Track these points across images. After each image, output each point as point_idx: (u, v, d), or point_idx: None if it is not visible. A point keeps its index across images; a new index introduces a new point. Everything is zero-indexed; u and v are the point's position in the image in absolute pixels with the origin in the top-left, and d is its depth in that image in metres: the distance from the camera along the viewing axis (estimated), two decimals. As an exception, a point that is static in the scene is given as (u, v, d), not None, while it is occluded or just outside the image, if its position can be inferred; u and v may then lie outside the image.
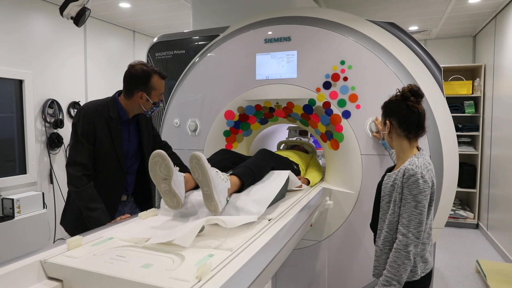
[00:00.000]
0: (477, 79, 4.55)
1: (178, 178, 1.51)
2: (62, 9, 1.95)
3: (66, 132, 3.77)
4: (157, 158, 1.43)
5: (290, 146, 3.10)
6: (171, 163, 1.45)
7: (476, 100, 4.65)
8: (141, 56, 4.91)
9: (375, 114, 2.18)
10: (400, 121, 1.50)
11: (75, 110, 3.88)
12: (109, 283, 0.97)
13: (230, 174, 1.61)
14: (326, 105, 2.28)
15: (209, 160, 1.74)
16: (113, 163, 1.83)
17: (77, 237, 1.20)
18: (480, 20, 4.31)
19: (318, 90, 2.29)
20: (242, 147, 2.69)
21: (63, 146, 3.74)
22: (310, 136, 3.27)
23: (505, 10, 3.76)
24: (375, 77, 2.18)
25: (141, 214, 1.55)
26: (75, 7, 1.95)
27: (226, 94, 2.54)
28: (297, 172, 2.33)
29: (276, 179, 1.77)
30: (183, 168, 2.14)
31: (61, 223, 1.92)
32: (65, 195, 3.67)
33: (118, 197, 1.89)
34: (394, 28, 2.28)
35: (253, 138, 2.74)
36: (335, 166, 2.37)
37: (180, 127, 2.70)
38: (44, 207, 3.40)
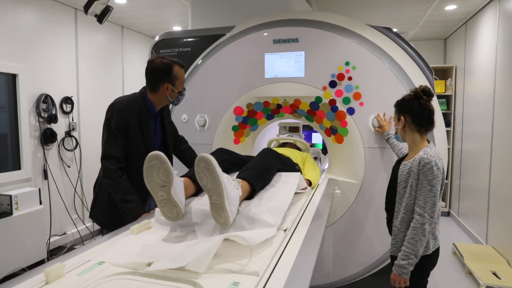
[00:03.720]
0: (449, 79, 4.96)
1: (178, 184, 1.30)
2: (87, 7, 1.99)
3: (59, 127, 3.73)
4: (155, 161, 1.21)
5: (281, 143, 3.04)
6: (171, 167, 1.25)
7: (448, 98, 5.07)
8: (130, 52, 4.89)
9: (377, 111, 2.41)
10: (413, 117, 1.71)
11: (68, 105, 3.84)
12: None
13: (237, 178, 1.44)
14: (332, 102, 2.48)
15: None
16: (143, 156, 1.89)
17: (58, 264, 0.94)
18: (452, 25, 4.71)
19: (324, 88, 2.48)
20: (248, 142, 2.83)
21: (56, 141, 3.69)
22: (302, 133, 3.41)
23: (475, 17, 4.15)
24: (377, 77, 2.40)
25: (132, 228, 1.30)
26: (99, 5, 1.99)
27: (235, 91, 2.67)
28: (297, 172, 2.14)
29: (286, 182, 1.64)
30: None
31: (90, 216, 1.98)
32: (61, 191, 3.68)
33: (147, 189, 1.97)
34: (390, 33, 2.51)
35: (259, 133, 2.89)
36: (339, 158, 2.57)
37: (188, 123, 2.80)
38: (40, 203, 3.36)
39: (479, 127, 4.00)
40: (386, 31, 2.51)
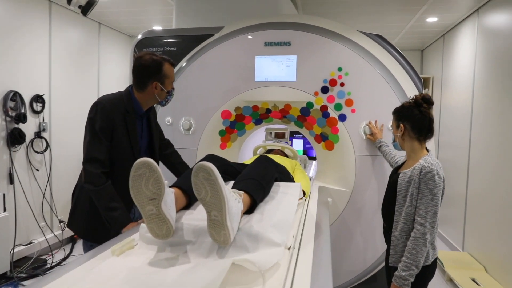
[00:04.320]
0: (426, 89, 5.08)
1: (169, 197, 1.14)
2: (70, -3, 1.84)
3: (28, 127, 3.47)
4: (143, 169, 1.05)
5: (268, 150, 2.97)
6: (162, 177, 1.08)
7: (424, 108, 5.19)
8: (107, 50, 4.67)
9: (368, 118, 2.38)
10: (413, 125, 1.69)
11: (38, 104, 3.58)
12: None
13: (233, 188, 1.29)
14: (324, 108, 2.43)
15: None
16: (128, 160, 1.75)
17: None
18: (430, 37, 4.84)
19: (316, 94, 2.44)
20: (235, 147, 2.73)
21: (24, 143, 3.43)
22: (289, 139, 3.34)
23: (453, 30, 4.28)
24: (369, 84, 2.38)
25: (113, 248, 1.11)
26: (85, -4, 1.84)
27: (223, 93, 2.57)
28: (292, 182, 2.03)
29: (286, 194, 1.52)
30: (184, 168, 2.12)
31: (68, 226, 1.81)
32: (28, 196, 3.41)
33: (132, 196, 1.83)
34: (381, 40, 2.51)
35: (245, 138, 2.80)
36: (329, 165, 2.52)
37: (172, 125, 2.66)
38: (4, 210, 3.09)
39: (456, 137, 4.10)
40: (377, 38, 2.50)
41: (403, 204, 1.65)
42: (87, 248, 1.81)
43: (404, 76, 2.43)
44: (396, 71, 2.41)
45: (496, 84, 3.22)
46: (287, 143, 2.97)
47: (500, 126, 3.10)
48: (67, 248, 3.89)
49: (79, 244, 4.04)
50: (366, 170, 2.40)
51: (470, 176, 3.66)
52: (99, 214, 1.68)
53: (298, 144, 4.08)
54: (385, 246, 2.42)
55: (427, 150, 1.72)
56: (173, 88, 1.87)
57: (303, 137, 3.94)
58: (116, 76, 4.88)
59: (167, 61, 1.79)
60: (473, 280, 3.09)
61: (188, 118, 2.63)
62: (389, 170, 2.33)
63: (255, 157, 2.36)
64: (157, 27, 4.61)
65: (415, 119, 1.68)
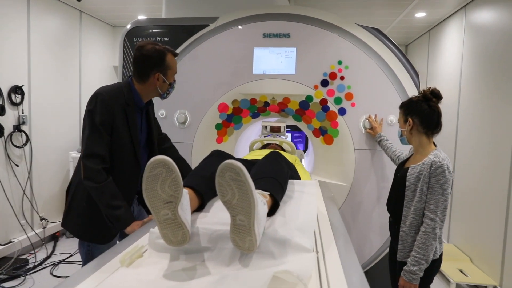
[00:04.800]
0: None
1: (185, 199, 1.06)
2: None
3: (6, 120, 3.27)
4: (160, 169, 0.95)
5: (264, 144, 2.88)
6: (180, 177, 0.98)
7: (409, 103, 5.28)
8: (89, 41, 4.45)
9: (368, 112, 2.38)
10: (422, 119, 1.68)
11: (17, 96, 3.38)
12: None
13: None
14: (323, 102, 2.40)
15: (205, 166, 1.42)
16: (128, 155, 1.68)
17: None
18: (415, 32, 4.91)
19: (315, 87, 2.40)
20: (231, 141, 2.67)
21: (3, 137, 3.23)
22: (286, 133, 3.31)
23: (440, 26, 4.35)
24: (369, 78, 2.36)
25: (122, 258, 1.00)
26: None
27: (220, 86, 2.49)
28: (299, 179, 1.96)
29: (303, 192, 1.45)
30: (182, 163, 2.03)
31: (63, 226, 1.70)
32: (8, 193, 3.22)
33: (132, 193, 1.74)
34: (379, 34, 2.50)
35: (242, 132, 2.74)
36: (328, 159, 2.50)
37: (166, 119, 2.56)
38: (-18, 208, 2.91)
39: (443, 132, 4.11)
40: (375, 31, 2.49)
41: (412, 198, 1.65)
42: (83, 248, 1.71)
43: (402, 70, 2.43)
44: (395, 65, 2.41)
45: (483, 80, 3.29)
46: (284, 137, 2.92)
47: (487, 122, 3.18)
48: (49, 246, 3.73)
49: (62, 242, 3.88)
50: (366, 164, 2.40)
51: (456, 171, 3.75)
52: (97, 212, 1.59)
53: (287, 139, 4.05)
54: (381, 241, 2.45)
55: (435, 145, 1.72)
56: (175, 81, 1.78)
57: (291, 131, 3.91)
58: (98, 67, 4.68)
59: (170, 52, 1.70)
60: (461, 271, 3.18)
61: (183, 111, 2.54)
62: (388, 164, 2.34)
63: (256, 152, 2.32)
64: (142, 17, 4.44)
65: (424, 113, 1.67)
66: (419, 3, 3.67)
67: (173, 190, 0.97)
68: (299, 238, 1.03)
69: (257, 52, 2.44)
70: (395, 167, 2.20)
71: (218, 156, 1.58)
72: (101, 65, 4.73)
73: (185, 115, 2.53)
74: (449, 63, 4.06)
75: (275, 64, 2.43)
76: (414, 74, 2.50)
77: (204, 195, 1.24)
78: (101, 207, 1.53)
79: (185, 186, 1.21)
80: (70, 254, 3.53)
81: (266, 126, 2.93)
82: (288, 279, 0.85)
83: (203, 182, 1.26)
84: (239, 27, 2.46)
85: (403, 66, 2.45)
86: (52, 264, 3.31)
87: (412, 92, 2.43)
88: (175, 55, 1.74)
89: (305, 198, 1.38)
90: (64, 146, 4.02)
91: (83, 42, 4.35)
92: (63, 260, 3.41)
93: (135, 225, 1.51)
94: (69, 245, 3.76)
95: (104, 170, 1.54)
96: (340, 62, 2.37)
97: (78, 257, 3.46)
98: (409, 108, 1.73)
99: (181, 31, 2.62)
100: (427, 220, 1.58)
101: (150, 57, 1.65)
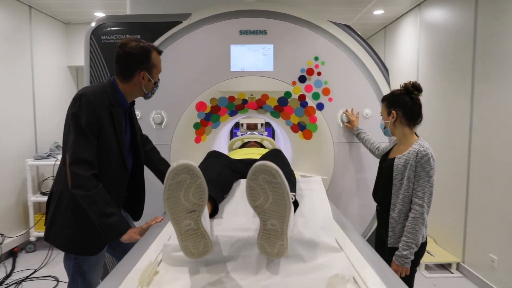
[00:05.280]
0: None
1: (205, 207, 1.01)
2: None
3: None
4: (184, 175, 0.90)
5: (244, 143, 2.88)
6: (205, 181, 0.94)
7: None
8: (40, 40, 4.12)
9: (345, 106, 2.46)
10: (405, 111, 1.77)
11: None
12: None
13: None
14: (302, 97, 2.44)
15: (207, 168, 1.38)
16: (115, 159, 1.59)
17: None
18: (371, 29, 5.14)
19: (294, 83, 2.43)
20: (209, 140, 2.62)
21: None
22: (265, 130, 3.32)
23: (395, 23, 4.60)
24: (344, 73, 2.44)
25: (141, 278, 0.94)
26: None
27: (197, 85, 2.44)
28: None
29: (312, 190, 1.43)
30: (165, 166, 1.95)
31: (46, 239, 1.56)
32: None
33: (121, 199, 1.65)
34: (350, 30, 2.59)
35: (219, 130, 2.70)
36: (307, 154, 2.55)
37: (142, 120, 2.45)
38: None
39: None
40: (346, 28, 2.57)
41: (399, 187, 1.73)
42: (69, 262, 1.59)
43: (373, 65, 2.54)
44: (366, 60, 2.51)
45: (439, 77, 3.53)
46: (262, 133, 2.93)
47: (444, 118, 3.43)
48: (8, 263, 3.42)
49: (22, 258, 3.59)
50: (344, 157, 2.48)
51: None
52: (86, 222, 1.49)
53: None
54: (361, 230, 2.55)
55: (417, 135, 1.82)
56: (159, 79, 1.72)
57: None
58: (52, 67, 4.36)
59: (155, 49, 1.64)
60: (427, 252, 3.41)
61: (159, 112, 2.45)
62: (366, 155, 2.44)
63: (242, 151, 2.30)
64: (99, 14, 4.20)
65: (407, 106, 1.76)
66: (379, 1, 3.84)
67: (197, 198, 0.92)
68: (325, 237, 1.03)
69: (234, 49, 2.42)
70: (372, 158, 2.31)
71: (216, 157, 1.54)
72: (55, 65, 4.42)
73: (161, 116, 2.45)
74: (406, 59, 4.30)
75: (253, 61, 2.42)
76: (384, 69, 2.62)
77: (216, 201, 1.21)
78: (93, 216, 1.43)
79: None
80: (34, 270, 3.27)
81: (242, 124, 2.91)
82: (340, 283, 0.84)
83: (212, 186, 1.23)
84: (215, 24, 2.41)
85: (374, 61, 2.57)
86: (14, 283, 3.05)
87: (384, 86, 2.55)
88: (160, 52, 1.68)
89: (317, 196, 1.39)
90: (19, 154, 3.71)
91: (35, 41, 4.02)
92: (27, 277, 3.15)
93: (132, 233, 1.43)
94: (31, 260, 3.49)
95: (93, 176, 1.45)
96: (316, 58, 2.42)
97: (43, 272, 3.22)
98: (392, 101, 1.81)
99: (152, 28, 2.52)
100: (415, 206, 1.67)
101: (134, 55, 1.58)
